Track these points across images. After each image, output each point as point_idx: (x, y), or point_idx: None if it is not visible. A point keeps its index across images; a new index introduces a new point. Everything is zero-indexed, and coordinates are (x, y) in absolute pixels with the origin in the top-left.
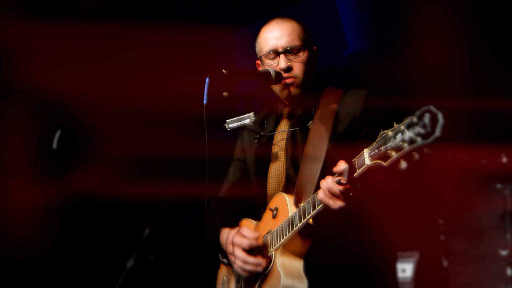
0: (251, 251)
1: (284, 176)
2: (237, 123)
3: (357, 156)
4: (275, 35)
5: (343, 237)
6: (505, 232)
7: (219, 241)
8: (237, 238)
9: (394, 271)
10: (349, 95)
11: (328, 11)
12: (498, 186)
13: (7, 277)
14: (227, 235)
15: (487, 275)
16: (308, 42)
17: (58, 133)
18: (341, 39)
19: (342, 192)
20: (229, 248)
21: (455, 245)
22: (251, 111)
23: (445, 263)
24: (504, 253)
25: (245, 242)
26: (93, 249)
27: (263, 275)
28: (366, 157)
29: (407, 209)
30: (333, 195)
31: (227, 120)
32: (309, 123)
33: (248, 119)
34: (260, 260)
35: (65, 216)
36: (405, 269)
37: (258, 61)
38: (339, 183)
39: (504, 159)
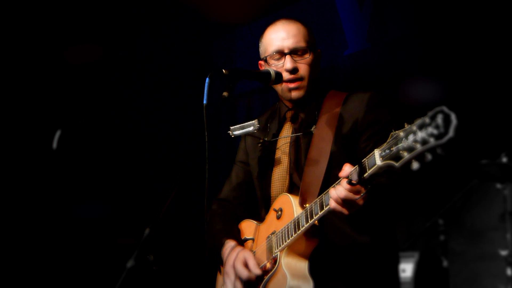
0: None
1: (288, 178)
2: (241, 131)
3: (368, 156)
4: (281, 36)
5: (348, 238)
6: (505, 232)
7: (221, 251)
8: (239, 266)
9: (396, 271)
10: (352, 99)
11: (328, 11)
12: (498, 186)
13: (8, 277)
14: (230, 251)
15: (487, 275)
16: (313, 44)
17: (58, 133)
18: (341, 39)
19: (353, 195)
20: (228, 266)
21: (455, 245)
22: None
23: (445, 263)
24: (504, 253)
25: (245, 275)
26: (93, 249)
27: (267, 275)
28: (377, 157)
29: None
30: (345, 201)
31: (231, 127)
32: (313, 127)
33: (252, 126)
34: None
35: (66, 215)
36: (405, 269)
37: (261, 62)
38: (349, 183)
39: (504, 159)
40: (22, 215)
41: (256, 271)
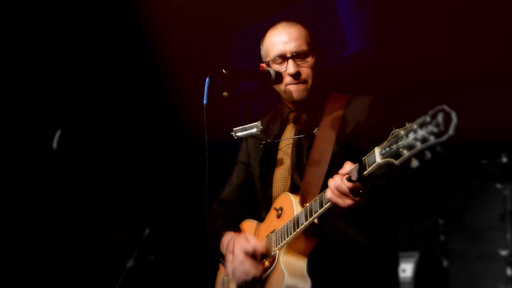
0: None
1: (289, 179)
2: (244, 132)
3: (368, 154)
4: (283, 40)
5: (347, 238)
6: (505, 232)
7: (219, 243)
8: (242, 241)
9: (396, 271)
10: (354, 101)
11: (328, 11)
12: (498, 186)
13: (8, 277)
14: (230, 237)
15: (487, 275)
16: (314, 46)
17: (58, 133)
18: (341, 39)
19: (350, 190)
20: (230, 247)
21: (455, 245)
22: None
23: (445, 263)
24: (504, 253)
25: (249, 247)
26: (93, 249)
27: (265, 273)
28: (377, 155)
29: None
30: (342, 193)
31: (234, 129)
32: (315, 129)
33: (255, 128)
34: (258, 265)
35: (65, 215)
36: (405, 269)
37: (263, 65)
38: (349, 180)
39: (504, 159)
40: (22, 215)
41: (260, 244)
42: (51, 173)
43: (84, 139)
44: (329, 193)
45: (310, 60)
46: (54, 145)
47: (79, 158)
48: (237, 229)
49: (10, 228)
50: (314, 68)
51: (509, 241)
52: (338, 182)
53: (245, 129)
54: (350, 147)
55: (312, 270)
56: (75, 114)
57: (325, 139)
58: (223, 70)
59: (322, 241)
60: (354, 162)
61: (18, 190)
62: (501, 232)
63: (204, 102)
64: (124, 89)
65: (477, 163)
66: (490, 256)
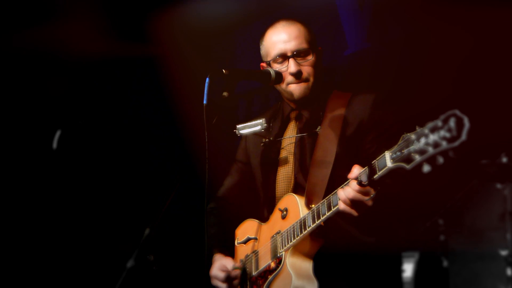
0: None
1: (293, 179)
2: (247, 130)
3: (378, 158)
4: (283, 39)
5: (353, 239)
6: (505, 232)
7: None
8: (216, 271)
9: (399, 271)
10: (356, 100)
11: (328, 11)
12: (498, 186)
13: (8, 277)
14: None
15: (487, 275)
16: (314, 43)
17: (58, 133)
18: (341, 39)
19: (361, 196)
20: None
21: (455, 245)
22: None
23: (445, 263)
24: (504, 253)
25: (221, 275)
26: (93, 249)
27: (272, 275)
28: (388, 159)
29: (410, 210)
30: (354, 203)
31: (238, 126)
32: (318, 128)
33: (259, 126)
34: None
35: (65, 215)
36: (405, 269)
37: (263, 64)
38: (360, 184)
39: (504, 159)
40: (22, 215)
41: (228, 269)
42: (51, 173)
43: (84, 139)
44: (342, 205)
45: (310, 58)
46: (54, 145)
47: (79, 158)
48: (230, 234)
49: (11, 228)
50: (315, 66)
51: (509, 241)
52: (351, 193)
53: (248, 127)
54: (354, 147)
55: (318, 272)
56: (75, 114)
57: (328, 138)
58: (223, 70)
59: (327, 242)
60: (357, 162)
61: (18, 190)
62: (501, 232)
63: (204, 102)
64: (124, 89)
65: (477, 163)
66: (490, 256)
